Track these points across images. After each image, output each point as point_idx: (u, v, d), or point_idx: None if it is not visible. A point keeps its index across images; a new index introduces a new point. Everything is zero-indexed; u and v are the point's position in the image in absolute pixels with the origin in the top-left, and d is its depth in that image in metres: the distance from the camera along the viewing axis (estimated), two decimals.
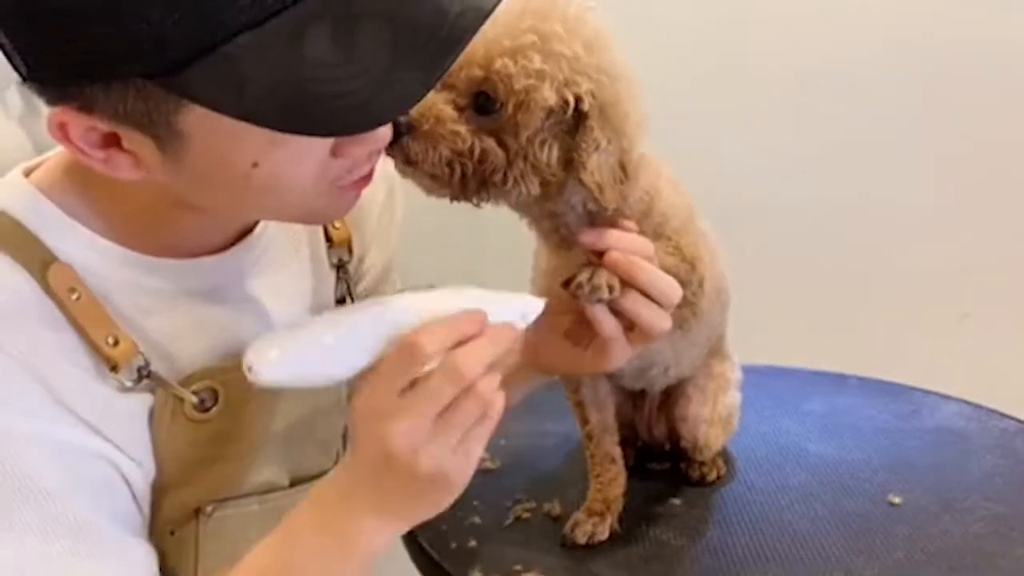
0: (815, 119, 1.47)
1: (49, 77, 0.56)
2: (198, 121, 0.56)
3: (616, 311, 0.71)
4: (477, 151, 0.67)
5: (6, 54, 0.57)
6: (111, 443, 0.65)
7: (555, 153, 0.68)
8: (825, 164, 1.49)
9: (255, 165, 0.59)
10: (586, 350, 0.76)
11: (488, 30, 0.64)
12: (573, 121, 0.68)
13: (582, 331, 0.74)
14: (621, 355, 0.73)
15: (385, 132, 0.63)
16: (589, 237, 0.70)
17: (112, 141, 0.59)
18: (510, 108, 0.66)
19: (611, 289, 0.68)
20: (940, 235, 1.51)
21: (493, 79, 0.66)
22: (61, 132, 0.58)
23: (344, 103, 0.54)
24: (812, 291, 1.53)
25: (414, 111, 0.65)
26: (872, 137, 1.48)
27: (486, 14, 0.56)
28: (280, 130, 0.55)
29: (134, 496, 0.67)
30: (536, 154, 0.68)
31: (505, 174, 0.68)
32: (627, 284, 0.69)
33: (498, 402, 0.61)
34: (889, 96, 1.45)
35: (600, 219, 0.74)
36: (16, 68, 0.57)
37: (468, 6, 0.56)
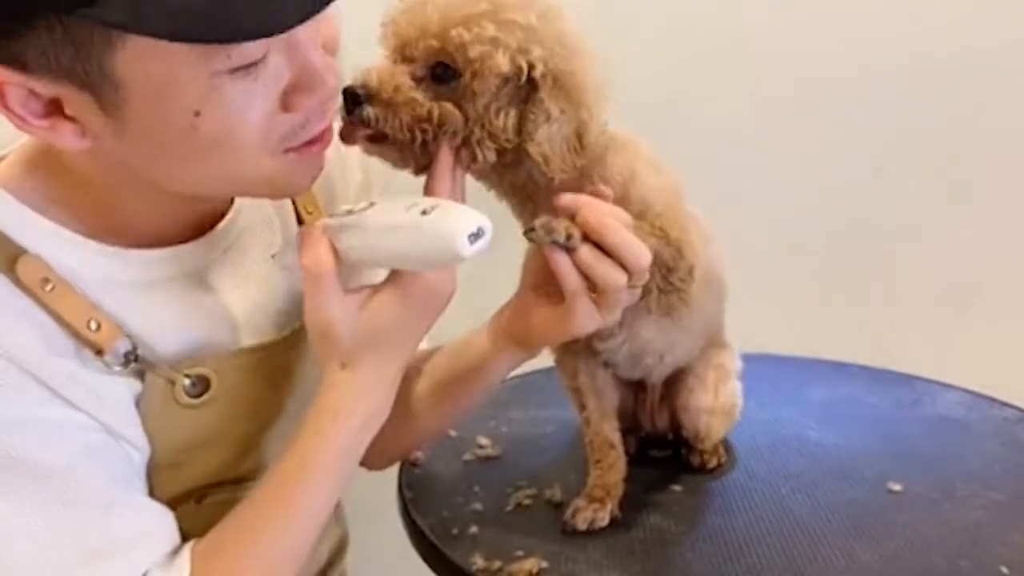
0: (816, 107, 1.47)
1: None
2: (131, 64, 0.56)
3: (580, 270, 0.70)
4: (435, 116, 0.67)
5: None
6: (99, 422, 0.65)
7: (511, 121, 0.69)
8: (827, 152, 1.49)
9: (197, 114, 0.58)
10: (553, 309, 0.74)
11: (442, 1, 0.66)
12: (527, 90, 0.68)
13: (549, 287, 0.74)
14: (588, 318, 0.72)
15: (333, 82, 0.63)
16: (563, 200, 0.70)
17: (54, 109, 0.59)
18: (467, 76, 0.67)
19: (569, 236, 0.68)
20: (943, 224, 1.51)
21: (448, 49, 0.66)
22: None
23: (265, 4, 0.54)
24: (813, 279, 1.53)
25: (372, 81, 0.67)
26: (874, 125, 1.47)
27: None
28: (206, 41, 0.54)
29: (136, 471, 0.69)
30: (492, 121, 0.68)
31: (465, 139, 0.69)
32: (593, 243, 0.69)
33: None
34: (891, 85, 1.45)
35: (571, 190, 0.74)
36: None
37: None
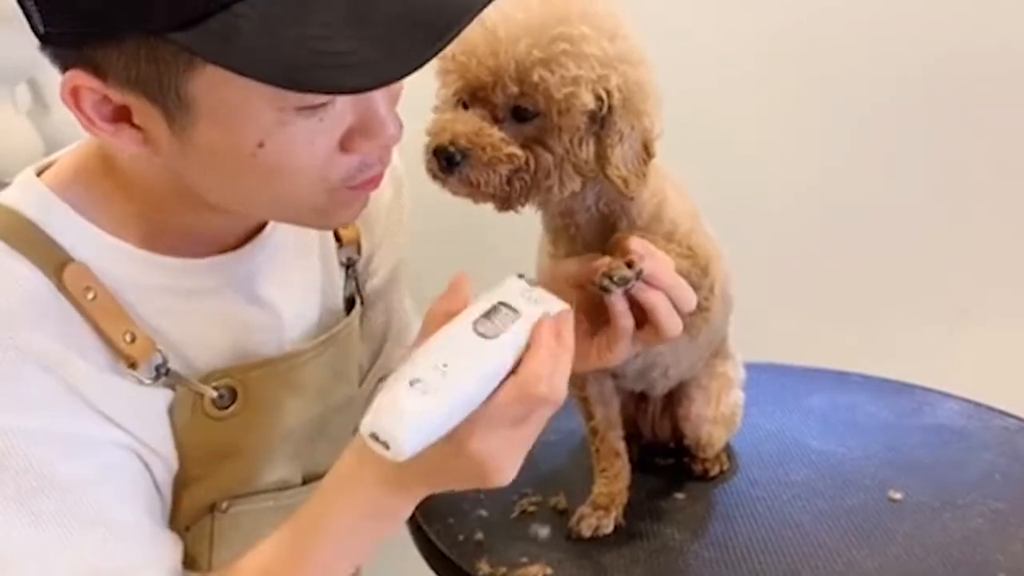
0: (816, 116, 1.48)
1: (63, 34, 0.57)
2: (207, 89, 0.57)
3: (633, 305, 0.71)
4: (532, 164, 0.68)
5: (25, 12, 0.57)
6: (132, 436, 0.66)
7: (591, 149, 0.69)
8: (826, 161, 1.50)
9: (260, 145, 0.59)
10: (591, 343, 0.75)
11: (512, 38, 0.65)
12: (601, 116, 0.69)
13: (590, 324, 0.75)
14: (625, 352, 0.74)
15: (393, 131, 0.64)
16: (634, 246, 0.71)
17: (122, 116, 0.60)
18: (553, 115, 0.67)
19: (634, 277, 0.69)
20: (940, 232, 1.51)
21: (531, 92, 0.66)
22: (72, 98, 0.59)
23: (345, 62, 0.54)
24: (814, 288, 1.53)
25: (461, 140, 0.66)
26: (873, 134, 1.48)
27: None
28: (283, 86, 0.54)
29: (157, 486, 0.69)
30: (576, 153, 0.69)
31: (558, 177, 0.69)
32: (650, 284, 0.70)
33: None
34: (890, 93, 1.45)
35: (610, 221, 0.75)
36: (34, 28, 0.58)
37: None
